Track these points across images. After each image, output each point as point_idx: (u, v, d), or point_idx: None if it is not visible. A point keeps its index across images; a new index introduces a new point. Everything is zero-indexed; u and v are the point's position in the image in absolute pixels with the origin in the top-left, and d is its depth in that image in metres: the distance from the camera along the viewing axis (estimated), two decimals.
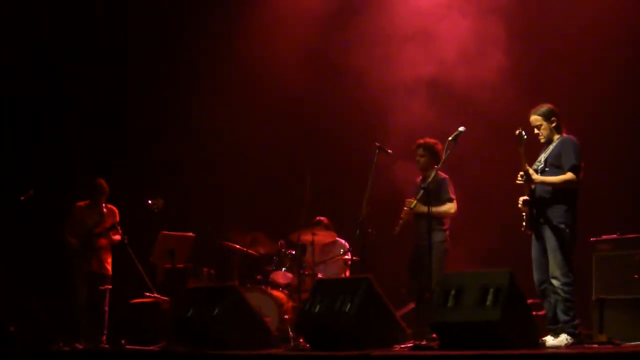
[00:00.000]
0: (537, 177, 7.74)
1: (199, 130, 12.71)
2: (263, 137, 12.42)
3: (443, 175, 9.05)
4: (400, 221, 9.04)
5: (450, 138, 8.13)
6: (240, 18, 12.76)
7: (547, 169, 7.81)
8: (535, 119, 7.93)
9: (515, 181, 7.81)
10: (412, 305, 9.46)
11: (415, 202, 8.52)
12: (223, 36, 12.81)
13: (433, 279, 8.12)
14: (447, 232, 9.09)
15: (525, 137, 7.70)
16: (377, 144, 9.30)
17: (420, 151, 9.20)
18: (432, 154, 9.13)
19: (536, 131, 7.91)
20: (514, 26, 11.14)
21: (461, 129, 8.14)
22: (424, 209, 8.52)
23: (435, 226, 8.69)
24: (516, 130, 7.69)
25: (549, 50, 11.12)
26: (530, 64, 11.15)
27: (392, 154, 9.38)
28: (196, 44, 13.01)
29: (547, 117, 7.91)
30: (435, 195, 8.68)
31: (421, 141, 9.25)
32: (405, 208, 9.02)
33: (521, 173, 7.72)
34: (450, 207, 9.03)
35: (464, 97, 11.18)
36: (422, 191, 8.43)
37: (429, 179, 8.41)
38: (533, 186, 7.81)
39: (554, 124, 7.90)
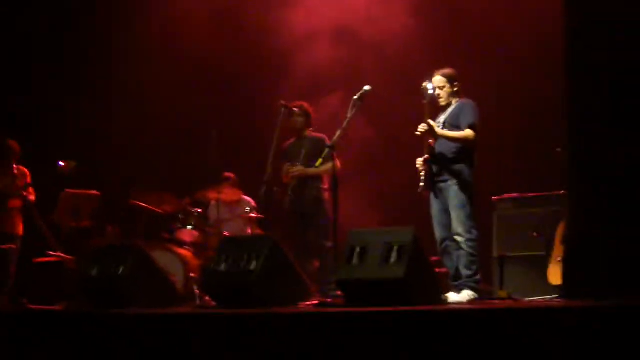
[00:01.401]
0: (438, 130, 7.77)
1: (104, 89, 12.43)
2: (168, 95, 12.20)
3: (320, 135, 9.32)
4: (289, 192, 9.38)
5: (355, 97, 8.09)
6: None
7: (445, 129, 7.85)
8: (440, 79, 7.96)
9: (415, 133, 7.83)
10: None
11: (319, 160, 8.50)
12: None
13: (324, 237, 8.78)
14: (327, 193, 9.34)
15: (431, 91, 7.79)
16: (282, 102, 9.34)
17: (295, 111, 9.46)
18: (307, 115, 9.53)
19: (437, 92, 7.93)
20: None
21: (366, 87, 8.11)
22: (313, 170, 9.01)
23: (320, 185, 9.30)
24: (423, 83, 7.80)
25: (460, 3, 11.15)
26: (440, 20, 11.19)
27: (296, 112, 9.47)
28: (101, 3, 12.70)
29: (450, 80, 7.95)
30: (315, 155, 8.79)
31: (298, 103, 9.56)
32: (291, 172, 9.36)
33: (422, 125, 7.73)
34: (331, 164, 9.05)
35: (371, 49, 11.19)
36: (327, 150, 8.39)
37: (335, 139, 8.35)
38: (432, 143, 7.83)
39: (455, 89, 7.95)
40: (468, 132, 7.74)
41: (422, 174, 7.81)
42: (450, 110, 7.95)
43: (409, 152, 8.31)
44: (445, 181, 7.79)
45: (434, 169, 7.83)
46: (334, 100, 10.43)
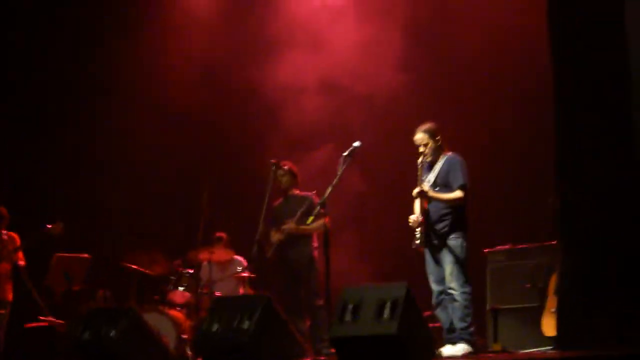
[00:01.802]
0: (432, 192, 7.91)
1: (93, 148, 12.47)
2: (157, 154, 12.26)
3: (307, 193, 9.52)
4: (274, 244, 9.49)
5: (345, 153, 8.14)
6: (130, 32, 12.60)
7: (437, 188, 8.00)
8: (422, 137, 8.09)
9: (411, 193, 8.03)
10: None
11: (311, 218, 8.53)
12: (111, 53, 12.60)
13: (315, 295, 9.04)
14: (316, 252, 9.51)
15: (426, 164, 8.02)
16: (273, 160, 9.49)
17: (281, 172, 9.59)
18: (292, 174, 9.66)
19: (421, 150, 8.06)
20: (410, 32, 11.28)
21: (356, 143, 8.17)
22: (304, 228, 9.20)
23: (311, 244, 9.46)
24: (419, 159, 8.01)
25: (447, 57, 11.26)
26: (429, 72, 11.29)
27: (281, 172, 9.62)
28: (85, 60, 12.74)
29: (432, 135, 8.08)
30: (307, 213, 8.96)
31: (283, 163, 9.67)
32: (283, 227, 9.45)
33: (416, 190, 7.89)
34: (321, 222, 9.07)
35: (360, 102, 11.27)
36: (317, 208, 8.42)
37: (325, 197, 8.36)
38: (426, 206, 7.92)
39: (439, 143, 8.06)
40: (458, 194, 7.91)
41: (418, 231, 7.88)
42: (438, 167, 8.07)
43: (400, 205, 8.37)
44: (439, 238, 7.94)
45: (430, 228, 7.96)
46: (324, 153, 10.50)
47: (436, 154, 8.09)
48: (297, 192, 9.68)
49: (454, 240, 7.88)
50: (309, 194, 9.45)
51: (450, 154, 8.10)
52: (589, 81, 6.84)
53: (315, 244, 9.44)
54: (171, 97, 12.24)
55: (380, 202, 11.00)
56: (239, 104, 12.28)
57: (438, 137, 8.07)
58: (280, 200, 9.76)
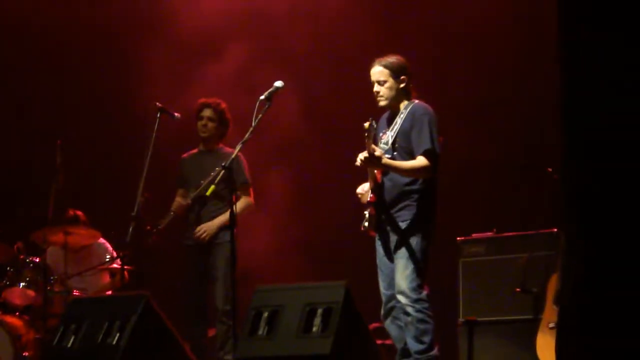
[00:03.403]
0: (386, 159, 7.67)
1: None
2: None
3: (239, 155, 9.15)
4: (172, 213, 9.44)
5: (262, 97, 8.04)
6: None
7: (395, 153, 7.85)
8: (380, 72, 7.91)
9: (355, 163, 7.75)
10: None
11: (212, 187, 8.46)
12: None
13: (224, 291, 9.01)
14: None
15: (375, 126, 7.67)
16: (158, 104, 9.35)
17: (209, 112, 9.47)
18: (222, 120, 9.52)
19: (376, 88, 7.91)
20: None
21: (278, 84, 8.05)
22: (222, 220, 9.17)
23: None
24: (366, 122, 7.54)
25: None
26: None
27: (180, 118, 9.48)
28: None
29: (396, 72, 7.90)
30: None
31: (210, 100, 9.53)
32: (178, 200, 9.49)
33: (363, 155, 7.62)
34: (248, 199, 9.20)
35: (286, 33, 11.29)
36: (222, 171, 8.35)
37: (232, 157, 8.30)
38: (380, 177, 7.85)
39: (402, 85, 7.92)
40: (422, 161, 7.70)
41: (367, 212, 7.82)
42: (399, 122, 7.89)
43: (351, 160, 8.36)
44: (395, 224, 7.82)
45: (382, 206, 7.85)
46: (235, 58, 10.63)
47: (397, 100, 7.94)
48: (221, 145, 9.51)
49: (414, 228, 7.74)
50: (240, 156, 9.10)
51: (416, 102, 7.94)
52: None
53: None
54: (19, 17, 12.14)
55: (323, 156, 11.03)
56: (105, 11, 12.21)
57: (403, 77, 7.90)
58: (195, 151, 9.64)
